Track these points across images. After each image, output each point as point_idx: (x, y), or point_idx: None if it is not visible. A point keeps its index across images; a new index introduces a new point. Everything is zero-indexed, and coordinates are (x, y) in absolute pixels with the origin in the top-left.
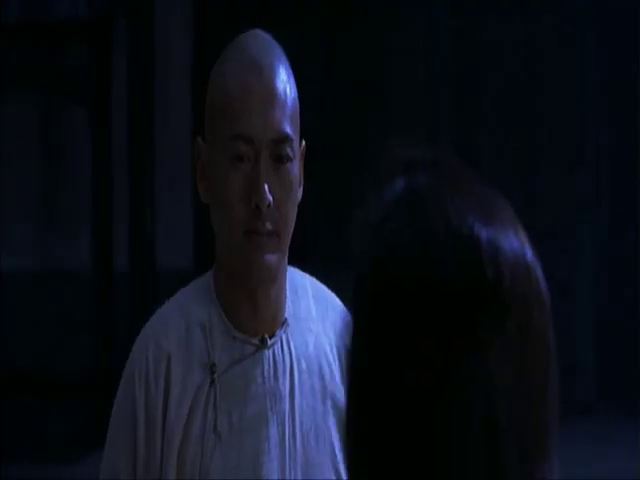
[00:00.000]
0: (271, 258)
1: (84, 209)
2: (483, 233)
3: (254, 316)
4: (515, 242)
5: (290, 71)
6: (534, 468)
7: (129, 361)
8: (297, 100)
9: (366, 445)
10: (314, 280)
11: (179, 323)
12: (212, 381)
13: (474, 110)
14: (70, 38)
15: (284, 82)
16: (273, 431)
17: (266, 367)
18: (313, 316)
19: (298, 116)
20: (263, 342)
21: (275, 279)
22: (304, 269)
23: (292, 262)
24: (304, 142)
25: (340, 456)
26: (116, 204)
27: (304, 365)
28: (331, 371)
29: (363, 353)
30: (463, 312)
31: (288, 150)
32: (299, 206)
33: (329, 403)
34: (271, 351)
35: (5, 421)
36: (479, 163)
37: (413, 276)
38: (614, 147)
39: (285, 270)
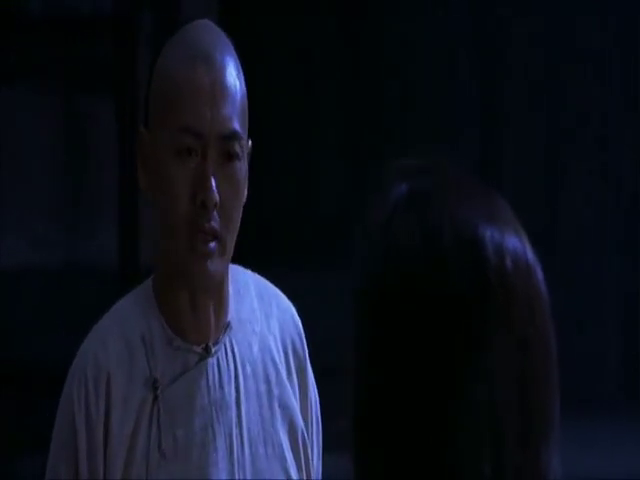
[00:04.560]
0: (215, 266)
1: (110, 205)
2: (486, 231)
3: (197, 322)
4: (516, 241)
5: (239, 66)
6: (536, 453)
7: (69, 378)
8: (246, 97)
9: (377, 440)
10: (257, 277)
11: (117, 337)
12: (155, 398)
13: (494, 110)
14: (95, 34)
15: (234, 77)
16: (220, 442)
17: (211, 376)
18: (257, 316)
19: (247, 114)
20: (207, 350)
21: (218, 284)
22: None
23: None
24: (250, 141)
25: (290, 458)
26: (142, 201)
27: (249, 370)
28: (277, 371)
29: (370, 345)
30: (471, 303)
31: (237, 148)
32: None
33: (276, 405)
34: (215, 359)
35: (13, 415)
36: (501, 167)
37: (421, 273)
38: (635, 148)
39: (228, 272)
